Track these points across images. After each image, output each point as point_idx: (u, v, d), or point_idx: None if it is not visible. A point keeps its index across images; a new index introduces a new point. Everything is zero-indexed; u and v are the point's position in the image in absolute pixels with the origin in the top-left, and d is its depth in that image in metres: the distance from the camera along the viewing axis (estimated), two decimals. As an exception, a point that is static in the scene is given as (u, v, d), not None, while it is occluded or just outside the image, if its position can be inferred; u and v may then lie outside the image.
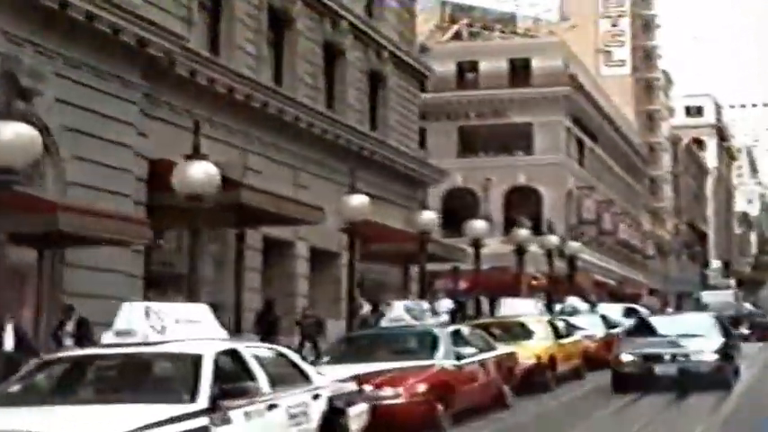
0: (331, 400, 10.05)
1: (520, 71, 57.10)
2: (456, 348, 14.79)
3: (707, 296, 76.64)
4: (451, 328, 16.54)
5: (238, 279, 20.58)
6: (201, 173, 15.85)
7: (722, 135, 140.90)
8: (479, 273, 29.89)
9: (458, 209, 55.88)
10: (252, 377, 8.98)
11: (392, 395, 12.67)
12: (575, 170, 58.20)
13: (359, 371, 12.68)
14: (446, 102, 56.15)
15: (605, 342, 24.84)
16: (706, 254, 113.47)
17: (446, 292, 35.95)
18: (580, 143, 60.92)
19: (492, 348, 16.41)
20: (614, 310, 47.62)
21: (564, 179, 56.15)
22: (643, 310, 49.10)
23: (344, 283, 24.22)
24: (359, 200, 21.03)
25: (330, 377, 10.87)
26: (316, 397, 9.84)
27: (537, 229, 52.58)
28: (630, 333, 20.83)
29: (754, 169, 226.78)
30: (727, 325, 22.16)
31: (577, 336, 22.49)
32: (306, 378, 10.07)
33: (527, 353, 18.37)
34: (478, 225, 30.45)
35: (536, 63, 56.98)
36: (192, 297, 15.20)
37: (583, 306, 30.93)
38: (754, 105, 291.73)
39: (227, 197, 17.87)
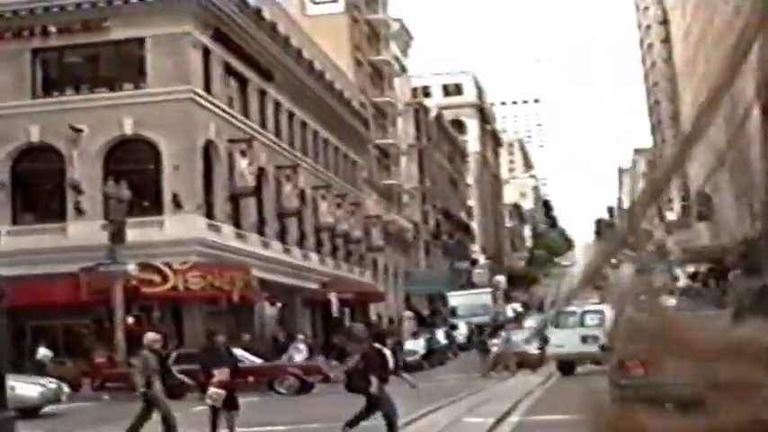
0: None
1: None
2: None
3: (454, 298, 58.00)
4: None
5: None
6: None
7: (484, 117, 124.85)
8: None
9: (37, 177, 35.09)
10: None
11: None
12: (221, 112, 37.29)
13: None
14: (10, 11, 35.05)
15: None
16: (467, 248, 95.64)
17: None
18: (241, 79, 40.30)
19: None
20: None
21: (199, 126, 35.36)
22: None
23: None
24: None
25: None
26: None
27: (157, 204, 33.82)
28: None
29: (527, 163, 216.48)
30: None
31: None
32: None
33: None
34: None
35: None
36: None
37: None
38: (525, 102, 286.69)
39: None
